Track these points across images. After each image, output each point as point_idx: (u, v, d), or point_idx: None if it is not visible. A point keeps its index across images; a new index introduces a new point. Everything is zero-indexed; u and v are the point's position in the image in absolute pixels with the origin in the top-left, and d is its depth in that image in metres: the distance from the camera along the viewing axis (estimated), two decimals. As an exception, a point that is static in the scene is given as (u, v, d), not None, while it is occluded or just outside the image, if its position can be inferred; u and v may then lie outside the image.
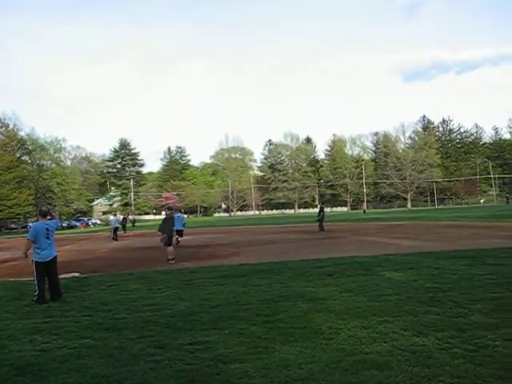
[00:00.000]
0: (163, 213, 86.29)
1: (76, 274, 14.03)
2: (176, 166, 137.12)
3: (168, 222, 16.99)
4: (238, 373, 5.13)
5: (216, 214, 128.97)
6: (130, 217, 67.36)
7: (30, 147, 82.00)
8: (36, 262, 10.00)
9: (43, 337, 7.05)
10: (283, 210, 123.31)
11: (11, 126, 79.77)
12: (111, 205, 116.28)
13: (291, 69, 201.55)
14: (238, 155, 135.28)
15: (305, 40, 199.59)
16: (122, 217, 49.19)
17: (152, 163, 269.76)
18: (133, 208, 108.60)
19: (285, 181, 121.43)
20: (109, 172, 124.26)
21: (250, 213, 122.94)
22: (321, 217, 29.66)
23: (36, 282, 9.94)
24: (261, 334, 6.54)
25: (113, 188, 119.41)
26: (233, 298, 9.25)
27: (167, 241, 16.64)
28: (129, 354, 5.97)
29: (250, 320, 7.34)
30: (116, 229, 34.25)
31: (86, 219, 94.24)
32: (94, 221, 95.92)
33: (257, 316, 7.57)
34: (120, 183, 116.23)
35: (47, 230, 10.10)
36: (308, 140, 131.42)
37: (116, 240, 32.75)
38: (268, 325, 7.03)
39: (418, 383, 4.67)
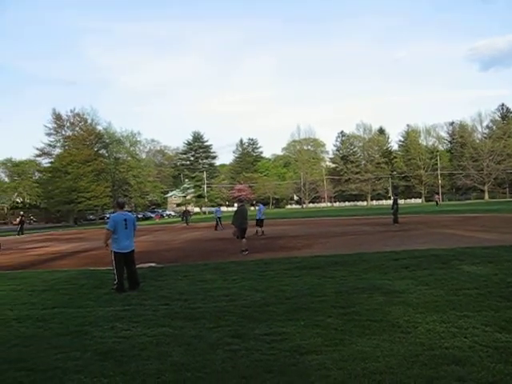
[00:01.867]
0: (235, 205, 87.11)
1: (153, 264, 14.37)
2: (248, 158, 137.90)
3: (239, 215, 17.03)
4: (314, 364, 5.12)
5: (288, 206, 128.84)
6: (190, 208, 68.20)
7: (107, 141, 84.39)
8: (115, 252, 10.30)
9: (123, 324, 7.27)
10: (355, 202, 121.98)
11: (89, 121, 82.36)
12: (185, 197, 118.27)
13: (364, 59, 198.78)
14: (309, 147, 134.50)
15: (377, 30, 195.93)
16: (186, 209, 49.94)
17: (225, 155, 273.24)
18: (206, 200, 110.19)
19: (357, 172, 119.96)
20: (182, 164, 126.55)
21: (322, 205, 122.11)
22: (395, 209, 29.12)
23: (115, 272, 10.24)
24: (337, 326, 6.50)
25: (186, 180, 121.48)
26: (308, 289, 9.24)
27: (240, 234, 16.77)
28: (206, 343, 6.07)
29: (326, 312, 7.31)
30: (219, 219, 34.48)
31: (160, 211, 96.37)
32: (168, 212, 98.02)
33: (332, 308, 7.54)
34: (193, 175, 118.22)
35: (125, 220, 10.36)
36: (381, 131, 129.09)
37: (216, 230, 32.98)
38: (344, 317, 6.97)
39: (502, 381, 4.51)
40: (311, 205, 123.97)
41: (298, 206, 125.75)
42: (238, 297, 8.86)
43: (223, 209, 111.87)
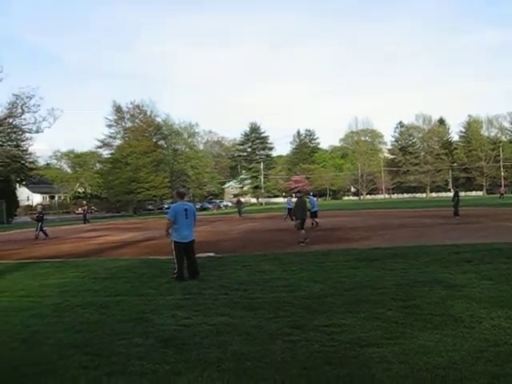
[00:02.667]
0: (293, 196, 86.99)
1: (211, 254, 14.52)
2: (305, 149, 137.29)
3: (300, 207, 17.11)
4: (375, 357, 5.05)
5: (345, 198, 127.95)
6: (242, 199, 68.36)
7: (166, 132, 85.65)
8: (175, 241, 10.45)
9: (184, 313, 7.37)
10: (414, 194, 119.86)
11: (149, 113, 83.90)
12: (242, 187, 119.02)
13: (425, 46, 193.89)
14: (367, 138, 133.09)
15: (438, 16, 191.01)
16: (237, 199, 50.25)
17: (281, 146, 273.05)
18: (263, 191, 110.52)
19: (416, 164, 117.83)
20: (239, 155, 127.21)
21: (380, 196, 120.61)
22: (456, 201, 28.53)
23: (175, 261, 10.41)
24: (397, 319, 6.41)
25: (243, 171, 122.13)
26: (367, 281, 9.15)
27: (301, 225, 16.81)
28: (266, 333, 6.08)
29: (386, 304, 7.22)
30: (290, 210, 33.89)
31: (217, 201, 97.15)
32: (225, 203, 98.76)
33: (393, 301, 7.44)
34: (250, 166, 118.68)
35: (186, 210, 10.49)
36: (441, 121, 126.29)
37: (285, 220, 32.45)
38: (405, 310, 6.87)
39: None
40: (368, 196, 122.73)
41: (355, 198, 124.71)
42: (297, 287, 8.86)
43: (279, 200, 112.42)
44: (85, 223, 44.92)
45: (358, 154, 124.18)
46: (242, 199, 70.44)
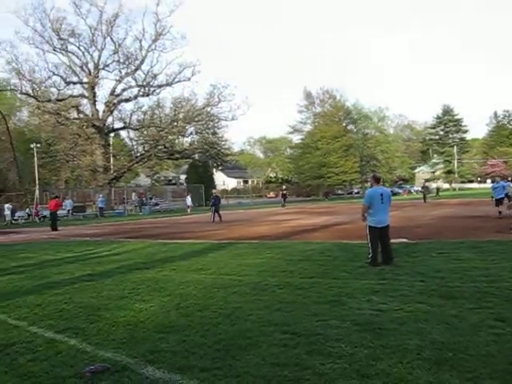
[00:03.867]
0: (488, 181, 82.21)
1: (404, 240, 14.22)
2: (503, 132, 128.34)
3: None
4: None
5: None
6: (434, 185, 65.60)
7: (355, 117, 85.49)
8: (370, 226, 10.43)
9: (379, 297, 7.32)
10: None
11: (338, 98, 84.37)
12: (433, 172, 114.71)
13: None
14: None
15: None
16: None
17: (477, 129, 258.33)
18: (456, 176, 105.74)
19: None
20: (431, 139, 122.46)
21: None
22: None
23: (370, 245, 10.38)
24: None
25: (435, 155, 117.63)
26: None
27: None
28: (468, 324, 5.82)
29: None
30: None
31: (408, 186, 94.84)
32: (416, 188, 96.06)
33: None
34: (442, 150, 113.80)
35: (381, 195, 10.40)
36: None
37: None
38: None
39: None
40: None
41: None
42: (499, 278, 8.33)
43: (474, 185, 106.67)
44: (283, 206, 46.72)
45: None
46: (434, 184, 68.08)
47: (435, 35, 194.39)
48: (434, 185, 72.92)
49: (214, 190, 36.96)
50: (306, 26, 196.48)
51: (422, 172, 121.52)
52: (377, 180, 10.99)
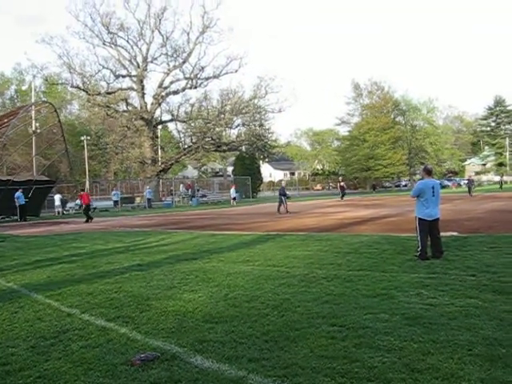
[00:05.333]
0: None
1: (454, 233, 13.96)
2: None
3: None
4: None
5: None
6: (485, 177, 64.13)
7: (404, 108, 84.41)
8: (420, 218, 10.28)
9: (429, 292, 7.21)
10: None
11: (386, 89, 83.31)
12: (484, 165, 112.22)
13: None
14: None
15: None
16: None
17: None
18: (507, 168, 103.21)
19: None
20: (482, 131, 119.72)
21: None
22: None
23: (419, 239, 10.22)
24: None
25: (486, 147, 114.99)
26: None
27: None
28: (523, 320, 5.69)
29: None
30: None
31: (457, 179, 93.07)
32: (465, 181, 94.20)
33: None
34: (494, 142, 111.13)
35: (433, 187, 10.24)
36: None
37: None
38: None
39: None
40: None
41: None
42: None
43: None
44: (342, 198, 46.13)
45: None
46: (485, 177, 66.76)
47: (487, 23, 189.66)
48: (496, 178, 70.89)
49: (282, 182, 38.01)
50: (354, 18, 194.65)
51: (473, 164, 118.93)
52: (428, 172, 10.78)
